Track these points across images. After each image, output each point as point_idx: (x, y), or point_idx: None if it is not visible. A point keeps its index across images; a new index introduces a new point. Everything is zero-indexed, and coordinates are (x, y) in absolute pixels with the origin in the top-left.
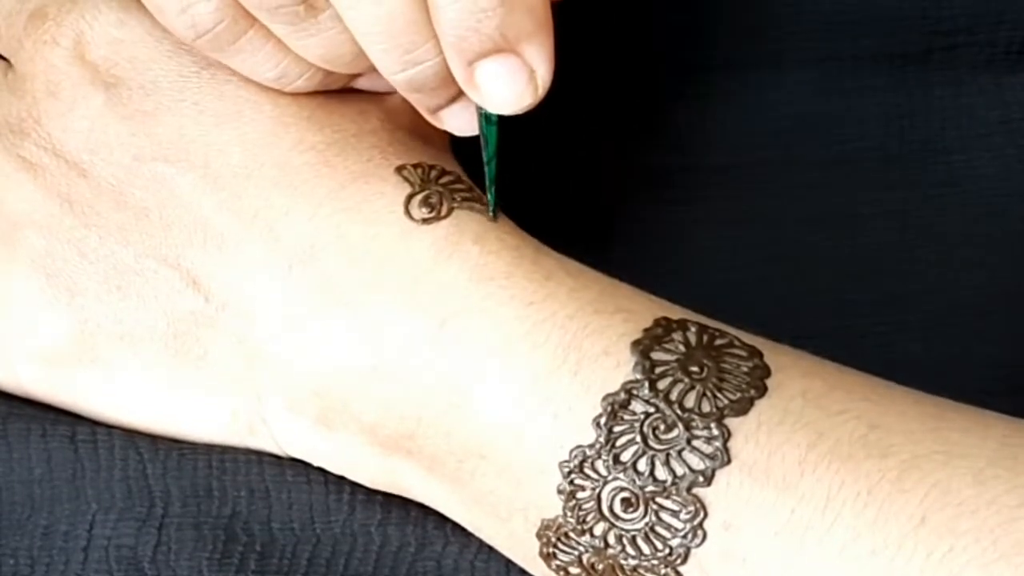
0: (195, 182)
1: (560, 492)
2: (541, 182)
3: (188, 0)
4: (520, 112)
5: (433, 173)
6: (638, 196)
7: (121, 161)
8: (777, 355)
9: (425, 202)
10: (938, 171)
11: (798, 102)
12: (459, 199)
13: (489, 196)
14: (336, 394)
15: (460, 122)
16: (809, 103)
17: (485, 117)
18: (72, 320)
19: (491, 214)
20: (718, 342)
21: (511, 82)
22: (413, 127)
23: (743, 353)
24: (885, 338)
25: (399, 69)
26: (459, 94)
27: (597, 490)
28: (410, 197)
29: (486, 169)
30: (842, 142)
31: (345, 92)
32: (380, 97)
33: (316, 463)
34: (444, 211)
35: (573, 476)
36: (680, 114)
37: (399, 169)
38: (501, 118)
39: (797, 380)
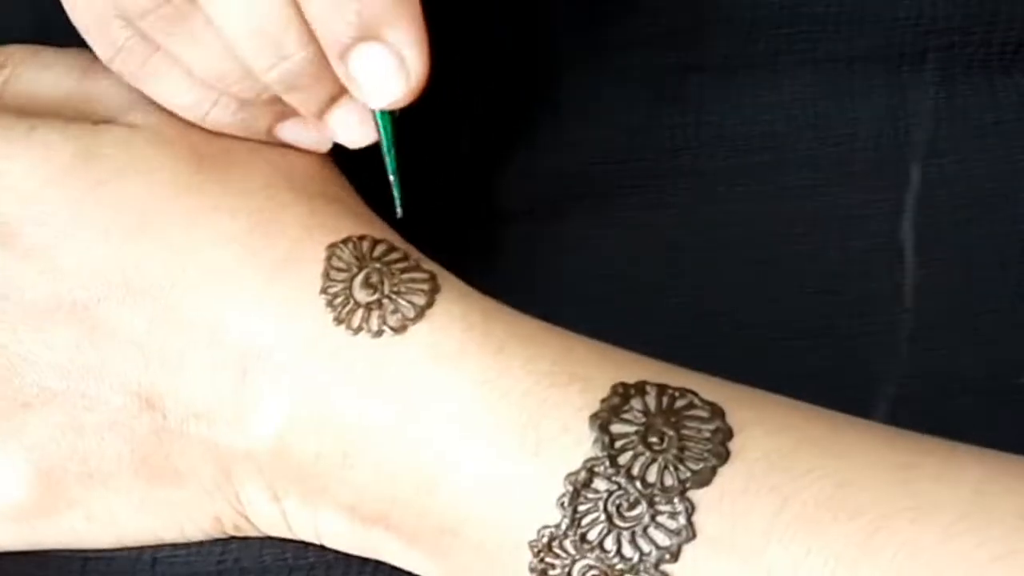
0: (119, 303)
1: (532, 571)
2: (537, 183)
3: (105, 19)
4: (398, 105)
5: (365, 247)
6: (633, 197)
7: (35, 300)
8: (740, 410)
9: (366, 283)
10: (931, 172)
11: (792, 103)
12: (397, 272)
13: (394, 189)
14: (314, 480)
15: (348, 129)
16: (803, 104)
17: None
18: (35, 473)
19: (398, 208)
20: (678, 404)
21: (381, 70)
22: (325, 192)
23: (704, 415)
24: (877, 338)
25: (270, 65)
26: (337, 93)
27: (567, 568)
28: (351, 279)
29: (386, 160)
30: (836, 143)
31: (247, 167)
32: (285, 169)
33: (300, 539)
34: (386, 290)
35: (543, 555)
36: (675, 115)
37: (331, 248)
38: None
39: (760, 440)
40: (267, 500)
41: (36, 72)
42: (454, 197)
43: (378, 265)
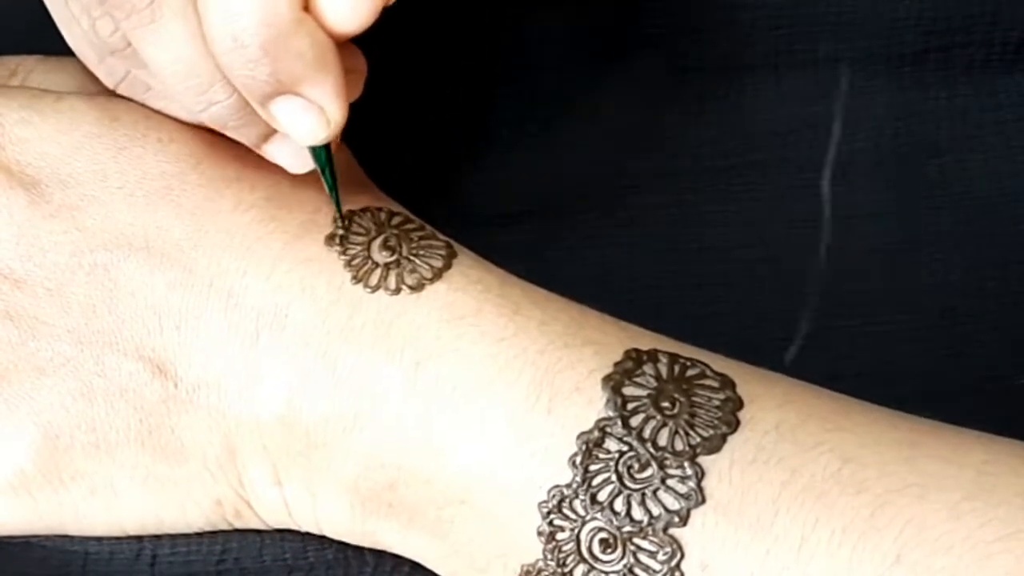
0: (140, 265)
1: (540, 534)
2: (537, 184)
3: (102, 56)
4: (323, 143)
5: (383, 216)
6: (632, 198)
7: (57, 261)
8: (750, 383)
9: (384, 245)
10: (931, 172)
11: (793, 103)
12: (416, 238)
13: (335, 206)
14: (319, 453)
15: (285, 158)
16: (804, 104)
17: None
18: (43, 439)
19: (339, 219)
20: (689, 373)
21: (302, 119)
22: (342, 173)
23: (715, 384)
24: (875, 339)
25: (200, 108)
26: (270, 130)
27: (576, 531)
28: (369, 242)
29: (323, 179)
30: (836, 143)
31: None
32: None
33: (299, 529)
34: (404, 252)
35: (552, 517)
36: (675, 116)
37: (349, 215)
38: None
39: (770, 412)
40: (269, 483)
41: (45, 75)
42: (454, 199)
43: (396, 231)
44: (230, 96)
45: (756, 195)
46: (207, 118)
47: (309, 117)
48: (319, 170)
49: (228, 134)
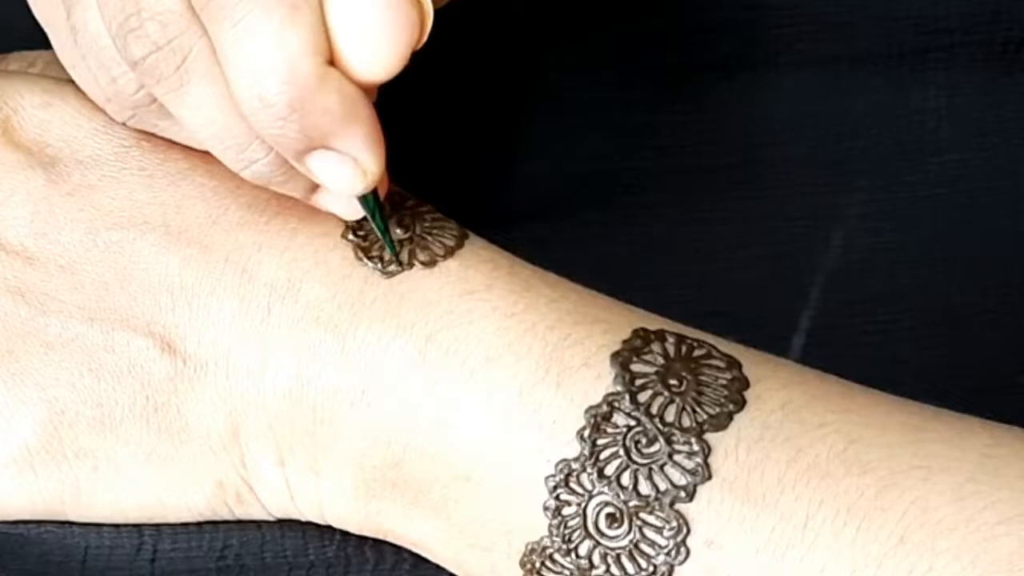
0: (156, 242)
1: (546, 509)
2: (538, 184)
3: (111, 92)
4: (363, 193)
5: (396, 197)
6: (633, 197)
7: (72, 238)
8: (756, 365)
9: (399, 223)
10: (931, 171)
11: (793, 102)
12: (429, 219)
13: (387, 245)
14: (326, 428)
15: (335, 208)
16: (804, 103)
17: None
18: (48, 414)
19: (395, 259)
20: (696, 353)
21: (338, 172)
22: None
23: (722, 364)
24: (875, 338)
25: (241, 167)
26: (314, 184)
27: (583, 505)
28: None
29: (373, 224)
30: (837, 142)
31: None
32: None
33: (303, 518)
34: (417, 230)
35: (559, 491)
36: (675, 115)
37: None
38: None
39: (776, 392)
40: (272, 464)
41: (62, 70)
42: (455, 200)
43: (410, 212)
44: (268, 153)
45: (756, 194)
46: (250, 175)
47: (344, 170)
48: (369, 216)
49: (275, 189)
